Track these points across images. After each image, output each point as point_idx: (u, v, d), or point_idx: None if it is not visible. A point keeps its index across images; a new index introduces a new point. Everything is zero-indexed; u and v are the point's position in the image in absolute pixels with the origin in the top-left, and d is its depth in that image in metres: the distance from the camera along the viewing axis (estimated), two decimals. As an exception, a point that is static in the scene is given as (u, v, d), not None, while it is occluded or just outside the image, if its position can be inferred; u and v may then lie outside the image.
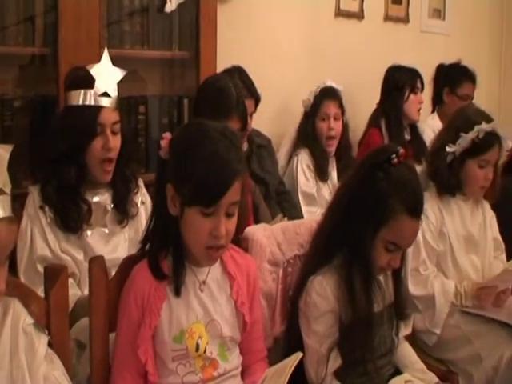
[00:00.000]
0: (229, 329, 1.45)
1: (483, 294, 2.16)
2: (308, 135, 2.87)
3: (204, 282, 1.43)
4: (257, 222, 2.17)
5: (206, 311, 1.43)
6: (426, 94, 3.51)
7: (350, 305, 1.57)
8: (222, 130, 1.40)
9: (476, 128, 2.14)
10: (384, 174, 1.57)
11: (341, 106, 2.90)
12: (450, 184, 2.21)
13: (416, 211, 1.57)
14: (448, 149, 2.18)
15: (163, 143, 1.43)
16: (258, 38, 3.07)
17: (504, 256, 2.37)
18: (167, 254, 1.41)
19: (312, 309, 1.59)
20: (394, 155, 1.57)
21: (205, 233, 1.34)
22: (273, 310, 1.73)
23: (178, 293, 1.40)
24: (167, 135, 1.44)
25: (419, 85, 3.26)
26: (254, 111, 2.61)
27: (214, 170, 1.33)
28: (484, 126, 2.14)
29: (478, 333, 2.13)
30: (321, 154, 2.85)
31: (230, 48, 2.78)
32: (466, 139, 2.15)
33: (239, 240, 1.61)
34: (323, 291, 1.59)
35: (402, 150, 1.59)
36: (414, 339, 2.16)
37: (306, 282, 1.62)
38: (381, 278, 1.68)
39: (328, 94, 2.88)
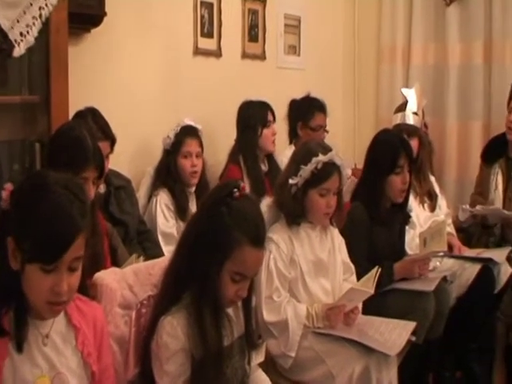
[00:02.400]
0: (77, 380, 1.45)
1: (332, 314, 2.31)
2: (169, 173, 2.92)
3: (47, 336, 1.42)
4: (115, 265, 2.17)
5: (51, 365, 1.42)
6: (283, 127, 3.68)
7: (201, 341, 1.61)
8: (65, 182, 1.39)
9: (314, 160, 2.30)
10: (227, 209, 1.63)
11: (201, 145, 3.01)
12: (296, 214, 2.36)
13: (259, 241, 1.65)
14: (291, 181, 2.33)
15: (4, 194, 1.41)
16: (114, 79, 3.08)
17: (354, 277, 2.53)
18: (8, 309, 1.39)
19: (163, 350, 1.61)
20: (235, 189, 1.65)
21: (46, 289, 1.33)
22: (126, 354, 1.74)
23: (20, 349, 1.37)
24: (8, 186, 1.42)
25: (270, 117, 3.38)
26: (111, 152, 2.63)
27: (55, 226, 1.32)
28: (321, 158, 2.30)
29: (330, 352, 2.25)
30: (181, 192, 2.90)
31: (84, 90, 2.78)
32: (306, 171, 2.31)
33: (87, 288, 1.61)
34: (173, 331, 1.61)
35: (242, 184, 1.68)
36: (271, 364, 2.27)
37: (156, 324, 1.64)
38: (230, 310, 1.75)
39: (189, 132, 2.97)
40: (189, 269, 1.65)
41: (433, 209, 3.31)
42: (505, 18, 4.02)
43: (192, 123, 3.00)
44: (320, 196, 2.33)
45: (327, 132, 3.69)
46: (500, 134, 3.55)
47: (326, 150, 2.35)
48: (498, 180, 3.43)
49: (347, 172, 2.43)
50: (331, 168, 2.33)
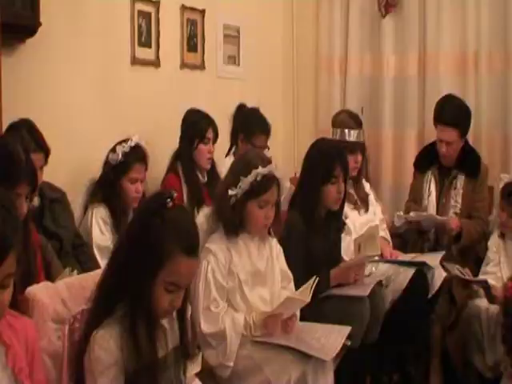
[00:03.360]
0: None
1: (270, 322, 2.34)
2: (111, 189, 2.86)
3: None
4: (49, 279, 2.14)
5: None
6: (223, 136, 3.68)
7: (135, 353, 1.60)
8: None
9: (253, 172, 2.33)
10: (159, 219, 1.63)
11: (146, 169, 2.99)
12: (234, 224, 2.38)
13: (192, 250, 1.65)
14: (230, 192, 2.34)
15: None
16: (50, 90, 3.03)
17: (292, 285, 2.57)
18: None
19: (96, 364, 1.60)
20: (168, 199, 1.64)
21: None
22: (60, 369, 1.73)
23: None
24: None
25: (210, 135, 3.37)
26: (45, 164, 2.59)
27: None
28: (260, 170, 2.33)
29: (268, 359, 2.28)
30: (121, 209, 2.85)
31: (19, 101, 2.74)
32: (245, 182, 2.33)
33: (18, 303, 1.60)
34: (106, 344, 1.60)
35: (175, 194, 1.68)
36: (209, 374, 2.29)
37: (89, 338, 1.63)
38: (165, 321, 1.75)
39: (139, 157, 2.92)
40: (121, 281, 1.64)
41: (367, 209, 3.38)
42: (438, 29, 4.16)
43: (141, 143, 2.95)
44: (259, 207, 2.36)
45: (268, 149, 3.67)
46: (431, 142, 3.68)
47: (265, 162, 2.39)
48: (430, 187, 3.55)
49: (285, 184, 2.47)
50: (270, 180, 2.36)
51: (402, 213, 3.50)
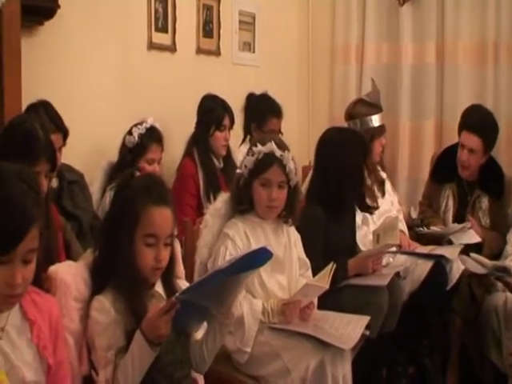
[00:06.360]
0: (33, 374, 1.44)
1: (288, 310, 2.32)
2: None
3: (2, 329, 1.41)
4: (69, 259, 2.14)
5: (7, 358, 1.40)
6: (238, 123, 3.66)
7: (130, 315, 1.67)
8: (18, 173, 1.37)
9: (255, 149, 2.33)
10: (129, 188, 1.76)
11: (163, 150, 3.03)
12: (241, 202, 2.37)
13: (161, 199, 1.74)
14: (238, 171, 2.36)
15: None
16: (67, 72, 3.04)
17: (310, 273, 2.55)
18: None
19: (94, 326, 1.68)
20: (136, 171, 1.81)
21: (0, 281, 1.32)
22: (80, 348, 1.72)
23: None
24: None
25: (227, 122, 3.35)
26: (63, 145, 2.58)
27: (8, 216, 1.30)
28: (260, 148, 2.32)
29: (286, 346, 2.26)
30: None
31: (37, 83, 2.74)
32: (249, 161, 2.34)
33: (41, 280, 1.59)
34: (101, 305, 1.69)
35: (145, 166, 1.78)
36: (227, 359, 2.27)
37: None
38: (160, 289, 1.81)
39: (155, 137, 2.96)
40: (108, 250, 1.74)
41: (383, 194, 3.34)
42: (457, 18, 4.08)
43: (156, 125, 2.98)
44: (262, 186, 2.34)
45: (282, 134, 3.67)
46: (451, 148, 3.49)
47: (266, 141, 2.35)
48: (448, 203, 3.42)
49: (290, 166, 2.38)
50: (271, 159, 2.33)
51: (425, 228, 3.36)
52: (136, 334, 1.62)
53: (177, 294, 1.62)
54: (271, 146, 2.32)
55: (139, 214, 1.69)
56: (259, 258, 1.68)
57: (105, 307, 1.67)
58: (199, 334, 1.87)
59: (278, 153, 2.32)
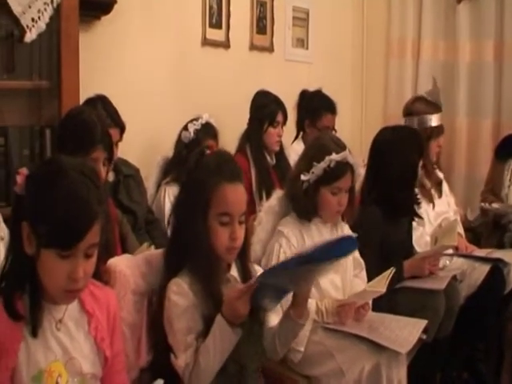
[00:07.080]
0: (90, 365, 1.44)
1: (343, 311, 2.27)
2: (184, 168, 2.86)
3: (61, 321, 1.41)
4: (125, 252, 2.16)
5: (65, 350, 1.41)
6: (291, 120, 3.63)
7: (207, 298, 1.64)
8: (80, 168, 1.36)
9: (327, 158, 2.24)
10: (199, 168, 1.71)
11: (217, 146, 2.97)
12: (307, 210, 2.32)
13: (233, 176, 1.70)
14: (303, 177, 2.28)
15: (19, 179, 1.38)
16: (123, 66, 3.08)
17: (364, 273, 2.49)
18: (23, 293, 1.37)
19: (173, 309, 1.65)
20: (206, 150, 1.75)
21: (62, 275, 1.32)
22: (138, 341, 1.73)
23: (34, 333, 1.36)
24: (23, 171, 1.39)
25: (280, 118, 3.33)
26: (120, 140, 2.60)
27: (72, 211, 1.29)
28: (334, 157, 2.24)
29: (340, 347, 2.21)
30: None
31: (94, 76, 2.77)
32: (318, 168, 2.26)
33: (101, 273, 1.59)
34: (180, 289, 1.65)
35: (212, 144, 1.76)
36: (281, 358, 2.23)
37: (164, 292, 1.67)
38: (235, 273, 1.77)
39: (210, 133, 2.96)
40: (182, 232, 1.70)
41: (440, 194, 3.26)
42: (516, 16, 3.98)
43: (212, 121, 2.97)
44: (332, 194, 2.29)
45: (335, 131, 3.63)
46: None
47: (340, 147, 2.29)
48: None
49: (359, 171, 2.37)
50: (344, 167, 2.27)
51: (487, 204, 3.32)
52: (217, 318, 1.60)
53: (257, 276, 1.59)
54: (345, 154, 2.25)
55: (212, 193, 1.66)
56: (343, 247, 1.61)
57: (183, 290, 1.65)
58: (273, 321, 1.83)
59: (351, 160, 2.27)
